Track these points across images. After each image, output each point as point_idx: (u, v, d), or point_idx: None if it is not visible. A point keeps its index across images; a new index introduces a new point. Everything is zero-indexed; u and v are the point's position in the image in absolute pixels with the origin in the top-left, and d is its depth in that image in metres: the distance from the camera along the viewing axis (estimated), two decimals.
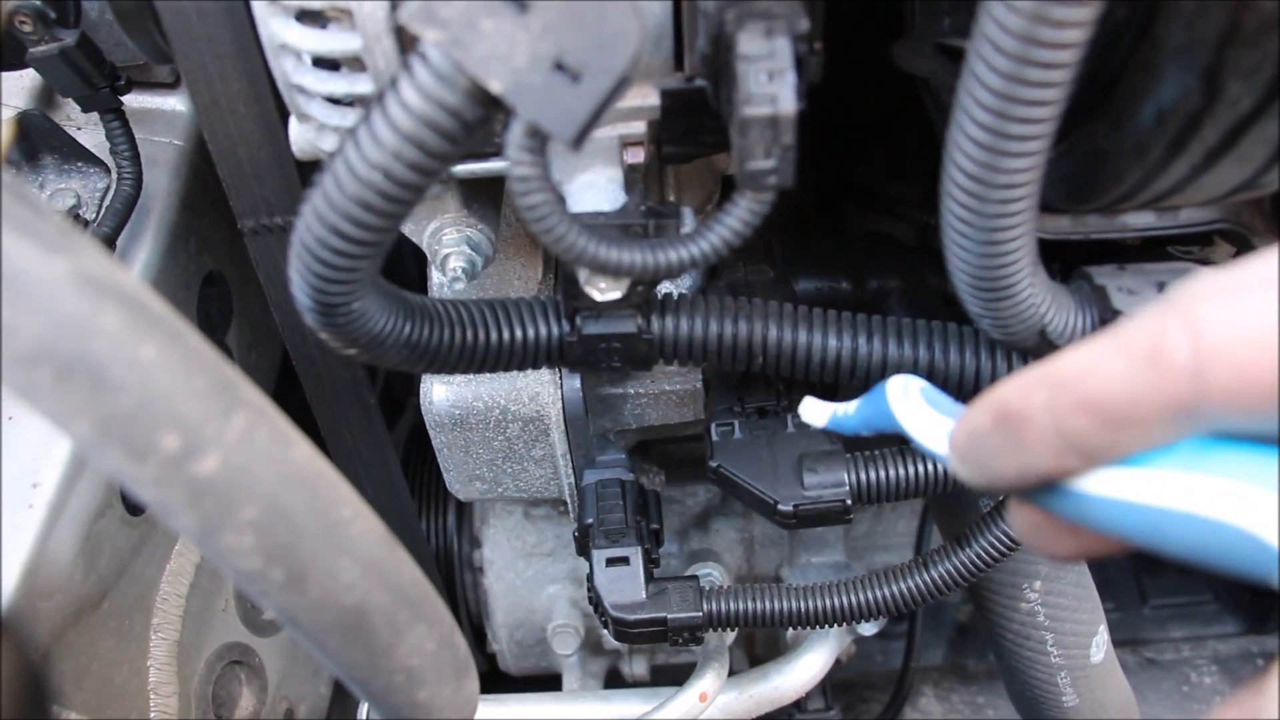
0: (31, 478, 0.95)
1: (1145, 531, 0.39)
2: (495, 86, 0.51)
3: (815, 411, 0.59)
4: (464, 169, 0.76)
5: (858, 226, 1.42)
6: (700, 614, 0.97)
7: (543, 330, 0.77)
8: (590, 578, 0.97)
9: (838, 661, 1.28)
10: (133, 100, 1.05)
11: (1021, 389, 0.41)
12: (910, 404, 0.53)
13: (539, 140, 0.54)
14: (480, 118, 0.54)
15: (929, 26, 0.85)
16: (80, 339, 0.46)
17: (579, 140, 0.52)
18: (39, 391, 0.46)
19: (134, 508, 1.07)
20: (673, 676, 1.50)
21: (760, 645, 1.53)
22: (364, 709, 1.17)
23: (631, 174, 0.78)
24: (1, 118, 1.06)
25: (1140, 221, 0.79)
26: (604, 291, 0.74)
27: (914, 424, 0.52)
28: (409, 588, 0.58)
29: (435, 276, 1.01)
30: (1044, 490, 0.43)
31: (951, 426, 0.48)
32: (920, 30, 0.86)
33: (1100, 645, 1.17)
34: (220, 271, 1.27)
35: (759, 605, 0.98)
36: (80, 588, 0.98)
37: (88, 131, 1.14)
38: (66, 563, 0.96)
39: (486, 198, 0.88)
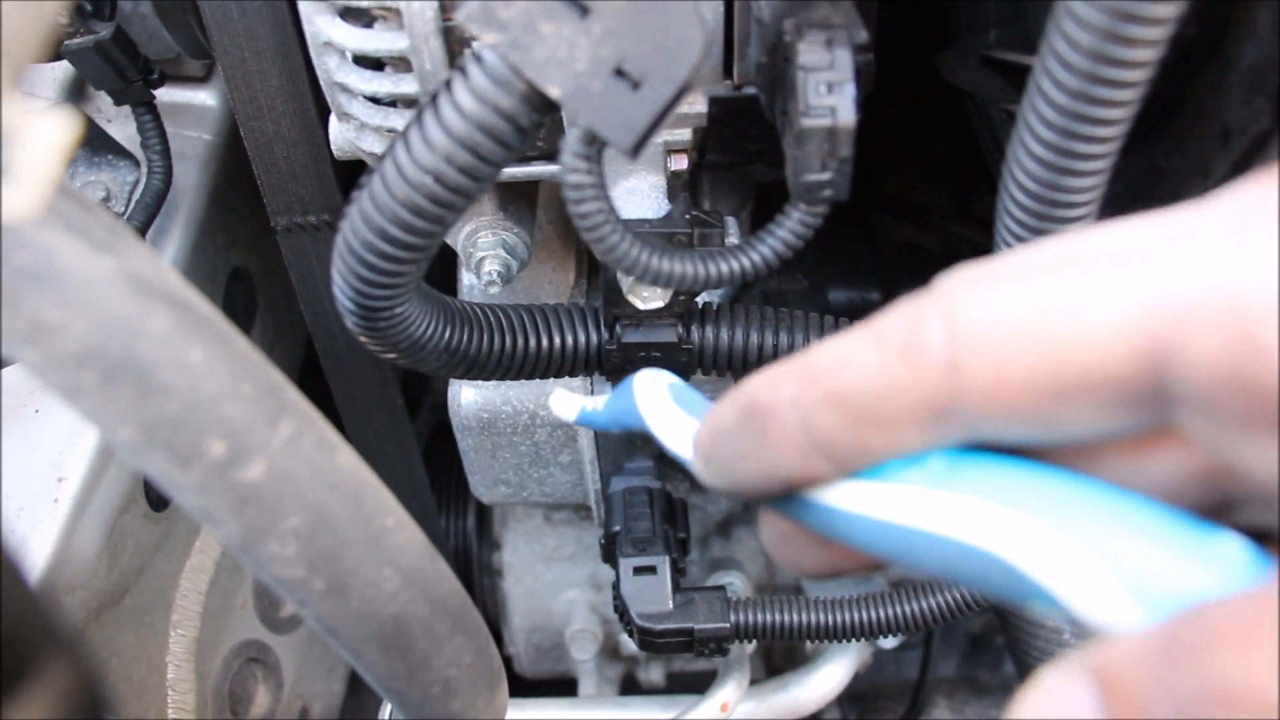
0: (57, 472, 0.94)
1: (897, 551, 0.35)
2: (554, 92, 0.50)
3: (565, 405, 0.55)
4: (504, 172, 0.75)
5: (887, 236, 1.41)
6: (728, 625, 0.96)
7: (582, 338, 0.76)
8: (616, 586, 0.96)
9: (855, 673, 1.28)
10: (163, 94, 1.04)
11: (770, 382, 0.36)
12: (656, 401, 0.49)
13: (595, 148, 0.53)
14: (535, 123, 0.53)
15: (975, 39, 0.84)
16: (128, 341, 0.45)
17: (638, 149, 0.51)
18: (84, 393, 0.45)
19: (157, 503, 1.06)
20: (688, 683, 1.50)
21: (779, 654, 1.52)
22: (386, 709, 1.16)
23: (674, 181, 0.77)
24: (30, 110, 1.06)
25: None
26: (646, 300, 0.73)
27: (657, 422, 0.48)
28: (448, 598, 0.57)
29: (466, 279, 1.00)
30: (790, 501, 0.38)
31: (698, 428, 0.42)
32: (966, 42, 0.85)
33: None
34: (246, 267, 1.27)
35: (786, 618, 0.97)
36: (103, 583, 0.98)
37: (117, 124, 1.13)
38: (90, 558, 0.95)
39: (522, 201, 0.87)
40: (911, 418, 0.33)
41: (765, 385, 0.37)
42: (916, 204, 1.33)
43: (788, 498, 0.38)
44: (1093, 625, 0.30)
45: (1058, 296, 0.30)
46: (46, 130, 0.29)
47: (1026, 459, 0.33)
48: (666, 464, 1.10)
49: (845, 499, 0.36)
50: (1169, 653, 0.27)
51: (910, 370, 0.32)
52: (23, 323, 0.44)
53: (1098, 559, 0.30)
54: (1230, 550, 0.29)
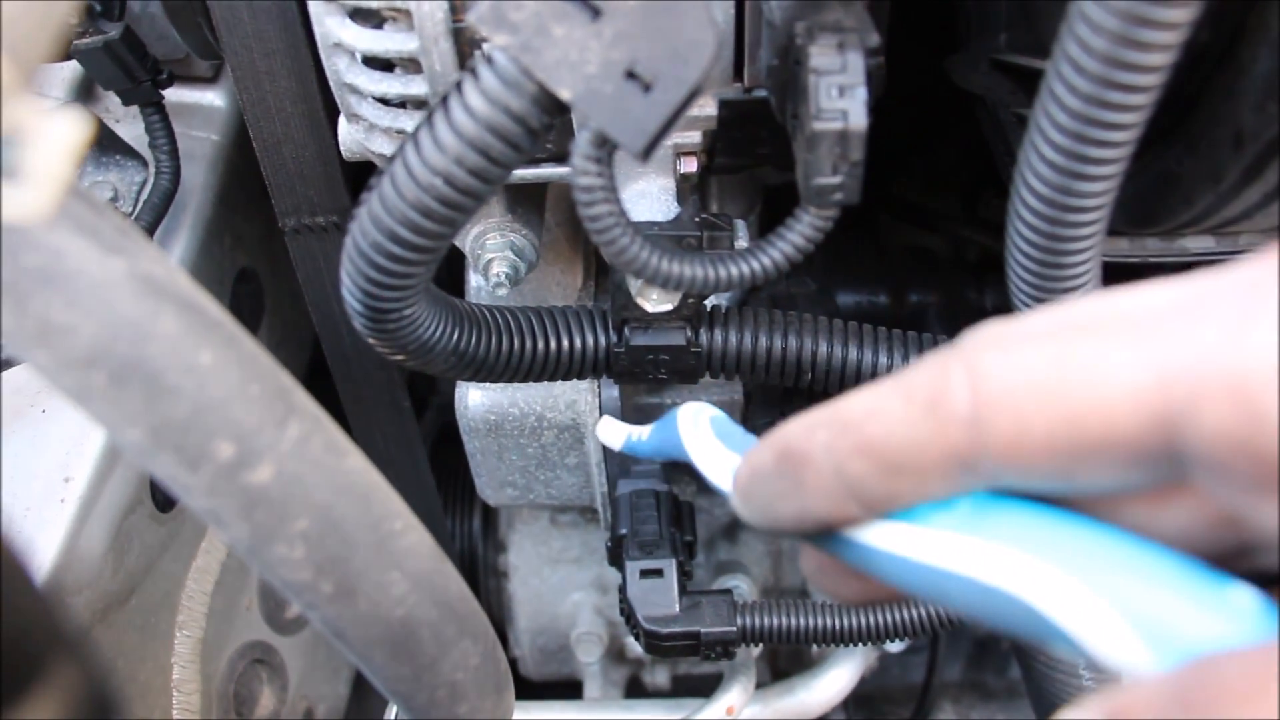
0: (64, 472, 0.94)
1: (926, 588, 0.37)
2: (565, 94, 0.50)
3: (611, 433, 0.58)
4: (513, 174, 0.75)
5: (894, 239, 1.41)
6: (734, 629, 0.96)
7: (590, 340, 0.76)
8: (623, 589, 0.96)
9: (860, 676, 1.27)
10: (171, 94, 1.04)
11: (806, 427, 0.39)
12: (699, 434, 0.51)
13: (606, 150, 0.53)
14: (545, 125, 0.53)
15: (984, 42, 0.84)
16: (138, 342, 0.45)
17: (648, 152, 0.51)
18: (93, 395, 0.45)
19: (163, 504, 1.06)
20: (692, 686, 1.50)
21: (784, 657, 1.52)
22: (391, 711, 1.15)
23: (683, 184, 0.77)
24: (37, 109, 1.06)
25: (1199, 245, 0.78)
26: (655, 303, 0.73)
27: (700, 456, 0.50)
28: (456, 602, 0.57)
29: (474, 280, 1.00)
30: (826, 537, 0.40)
31: (738, 463, 0.45)
32: (975, 46, 0.85)
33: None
34: (253, 268, 1.27)
35: (793, 621, 0.97)
36: (109, 584, 0.98)
37: (125, 124, 1.13)
38: (96, 558, 0.95)
39: (531, 203, 0.87)
40: (937, 468, 0.35)
41: (801, 431, 0.39)
42: (924, 207, 1.33)
43: (823, 535, 0.40)
44: (1109, 668, 0.32)
45: (1076, 360, 0.32)
46: (58, 131, 0.29)
47: (1049, 505, 0.35)
48: (673, 467, 1.10)
49: (878, 538, 0.38)
50: (1181, 702, 0.29)
51: (936, 424, 0.34)
52: (32, 323, 0.43)
53: (1114, 607, 0.32)
54: (1241, 600, 0.31)
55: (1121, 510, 0.35)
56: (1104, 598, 0.32)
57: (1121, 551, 0.33)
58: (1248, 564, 0.34)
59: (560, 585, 1.41)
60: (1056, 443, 0.32)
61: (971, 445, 0.34)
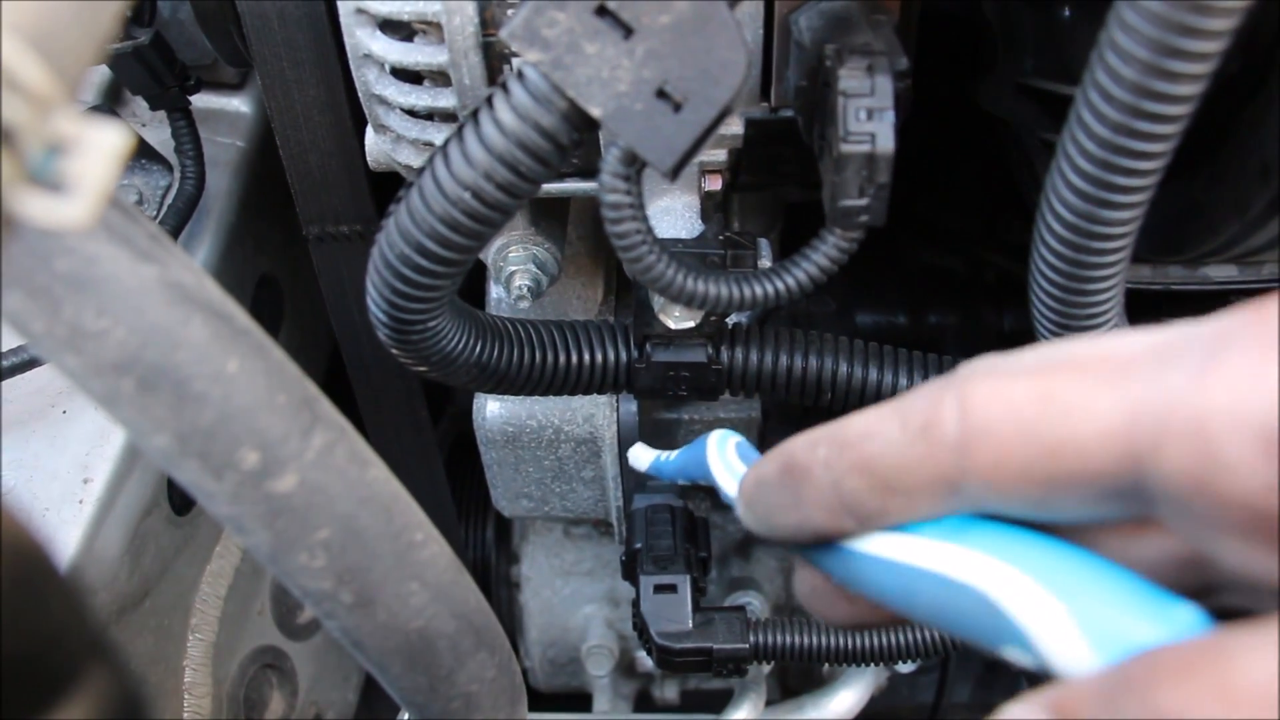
0: (83, 473, 0.94)
1: (900, 589, 0.40)
2: (596, 111, 0.50)
3: (641, 456, 0.61)
4: None
5: (914, 260, 1.41)
6: (747, 646, 0.95)
7: (611, 355, 0.76)
8: (636, 603, 0.96)
9: (870, 696, 1.27)
10: (197, 100, 1.05)
11: (808, 443, 0.41)
12: (724, 457, 0.54)
13: (635, 168, 0.53)
14: (575, 142, 0.53)
15: (1011, 66, 0.84)
16: (167, 349, 0.45)
17: (677, 171, 0.51)
18: (121, 400, 0.45)
19: (180, 507, 1.07)
20: (702, 702, 1.49)
21: (794, 675, 1.52)
22: (403, 717, 1.16)
23: (708, 202, 0.77)
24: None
25: (1222, 274, 0.78)
26: (678, 320, 0.73)
27: (720, 473, 0.53)
28: (474, 614, 0.57)
29: (494, 292, 1.00)
30: (819, 548, 0.43)
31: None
32: (1002, 70, 0.85)
33: None
34: (274, 274, 1.27)
35: (805, 640, 0.97)
36: (124, 585, 0.98)
37: (151, 129, 1.14)
38: (113, 560, 0.96)
39: (554, 217, 0.87)
40: (926, 488, 0.38)
41: (803, 446, 0.41)
42: (944, 228, 1.33)
43: (818, 546, 0.43)
44: (1055, 669, 0.35)
45: (1056, 397, 0.34)
46: (102, 141, 0.29)
47: (1026, 528, 0.38)
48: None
49: (865, 545, 0.41)
50: (1119, 687, 0.31)
51: (927, 448, 0.37)
52: (64, 328, 0.44)
53: (1067, 609, 0.35)
54: (1185, 616, 0.33)
55: (1097, 541, 0.38)
56: (1060, 599, 0.35)
57: (1082, 564, 0.36)
58: (1214, 602, 0.35)
59: (572, 598, 1.41)
60: (1033, 472, 0.35)
61: (958, 469, 0.36)
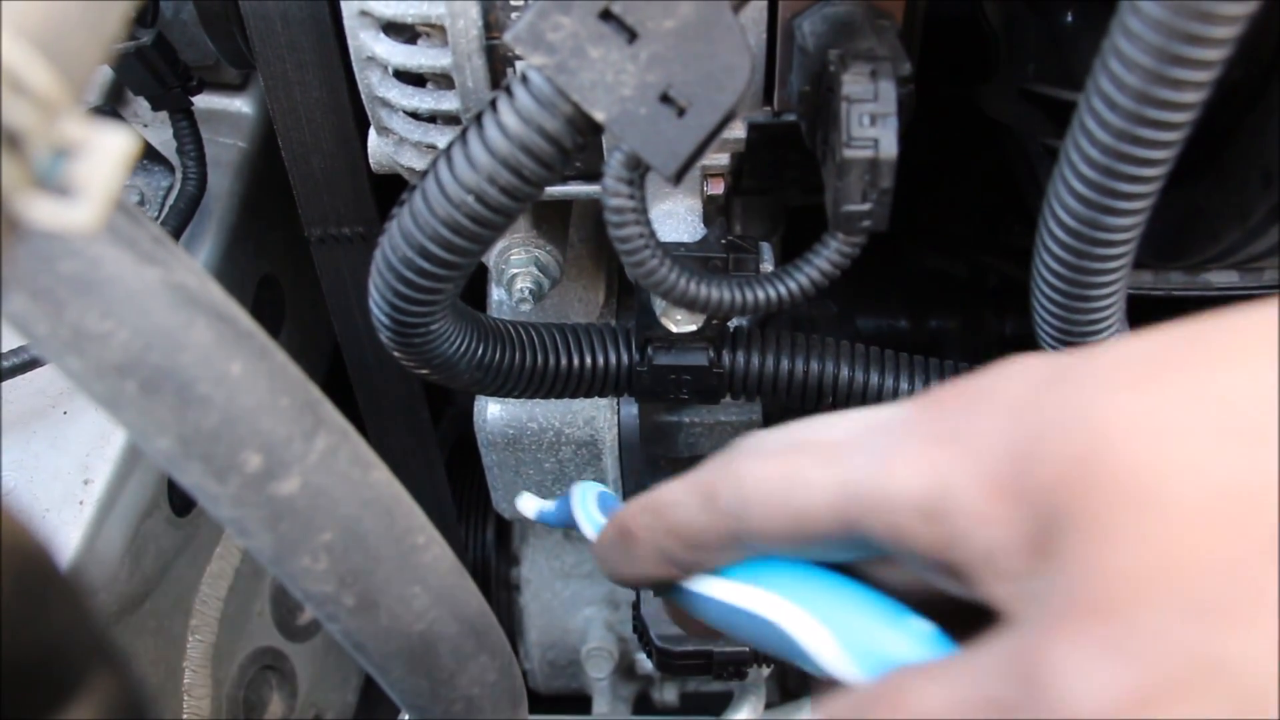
0: (84, 474, 0.94)
1: (722, 618, 0.50)
2: (600, 115, 0.50)
3: (528, 505, 0.65)
4: None
5: (915, 264, 1.41)
6: (747, 649, 0.95)
7: (613, 358, 0.76)
8: (636, 606, 0.96)
9: None
10: (199, 101, 1.05)
11: (634, 512, 0.51)
12: (585, 509, 0.61)
13: (639, 172, 0.53)
14: (578, 146, 0.53)
15: (1013, 71, 0.84)
16: (170, 352, 0.45)
17: (680, 175, 0.51)
18: (124, 403, 0.45)
19: (180, 508, 1.07)
20: (702, 704, 1.50)
21: (793, 678, 1.52)
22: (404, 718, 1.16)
23: (710, 205, 0.77)
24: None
25: (1223, 280, 0.78)
26: (680, 323, 0.73)
27: (584, 525, 0.60)
28: (476, 617, 0.57)
29: (495, 294, 1.00)
30: (663, 586, 0.53)
31: None
32: (1005, 75, 0.85)
33: None
34: (275, 275, 1.27)
35: None
36: (124, 587, 0.98)
37: (153, 129, 1.14)
38: (113, 561, 0.96)
39: (556, 219, 0.87)
40: (719, 545, 0.47)
41: (631, 514, 0.52)
42: (946, 232, 1.33)
43: (660, 586, 0.53)
44: (835, 677, 0.45)
45: (792, 476, 0.43)
46: (109, 144, 0.29)
47: (809, 565, 0.48)
48: None
49: (694, 585, 0.51)
50: (875, 699, 0.40)
51: (713, 515, 0.47)
52: (67, 330, 0.44)
53: (831, 632, 0.45)
54: (919, 627, 0.44)
55: (868, 570, 0.47)
56: (823, 624, 0.46)
57: (842, 593, 0.46)
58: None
59: (572, 600, 1.41)
60: (787, 533, 0.44)
61: (738, 530, 0.46)
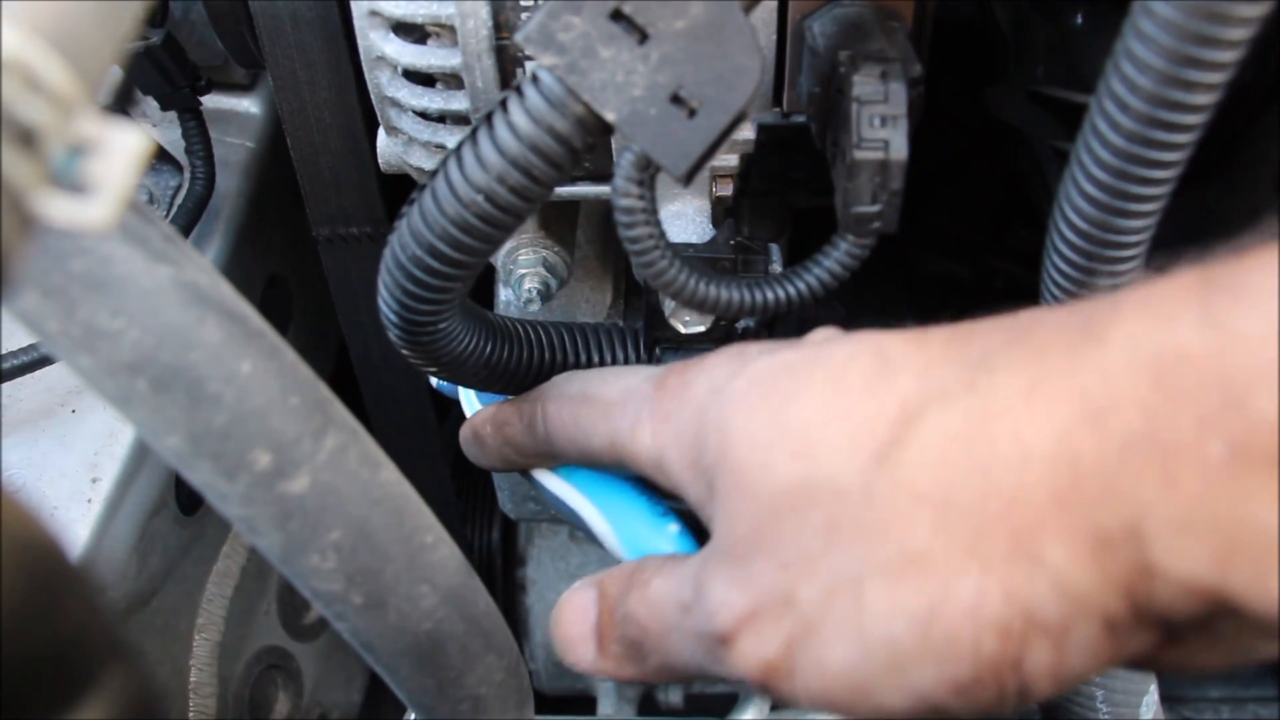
0: (91, 472, 0.95)
1: (556, 508, 0.70)
2: (610, 116, 0.50)
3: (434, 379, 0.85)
4: None
5: (922, 267, 1.41)
6: None
7: (621, 359, 0.76)
8: None
9: None
10: (207, 101, 1.05)
11: (482, 421, 0.71)
12: (469, 392, 0.78)
13: (649, 173, 0.53)
14: (588, 146, 0.53)
15: (1022, 73, 0.84)
16: (181, 350, 0.45)
17: (691, 176, 0.51)
18: (134, 400, 0.46)
19: (187, 507, 1.07)
20: (706, 706, 1.49)
21: None
22: (410, 717, 1.15)
23: (718, 207, 0.77)
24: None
25: None
26: (689, 324, 0.73)
27: (465, 405, 0.78)
28: (483, 617, 0.58)
29: (503, 294, 1.00)
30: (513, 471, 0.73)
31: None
32: (1014, 77, 0.85)
33: (1150, 705, 1.14)
34: (282, 274, 1.27)
35: None
36: (132, 585, 0.98)
37: (162, 129, 1.14)
38: (121, 559, 0.96)
39: (564, 220, 0.87)
40: (540, 454, 0.68)
41: (481, 422, 0.71)
42: (953, 235, 1.33)
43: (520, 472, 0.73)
44: (615, 557, 0.66)
45: (580, 422, 0.63)
46: (123, 143, 0.29)
47: (604, 472, 0.68)
48: None
49: (537, 475, 0.71)
50: (625, 576, 0.59)
51: (533, 437, 0.66)
52: (78, 328, 0.44)
53: (613, 528, 0.67)
54: (672, 530, 0.65)
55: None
56: (609, 521, 0.67)
57: (627, 498, 0.67)
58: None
59: None
60: (579, 459, 0.65)
61: (550, 449, 0.66)
